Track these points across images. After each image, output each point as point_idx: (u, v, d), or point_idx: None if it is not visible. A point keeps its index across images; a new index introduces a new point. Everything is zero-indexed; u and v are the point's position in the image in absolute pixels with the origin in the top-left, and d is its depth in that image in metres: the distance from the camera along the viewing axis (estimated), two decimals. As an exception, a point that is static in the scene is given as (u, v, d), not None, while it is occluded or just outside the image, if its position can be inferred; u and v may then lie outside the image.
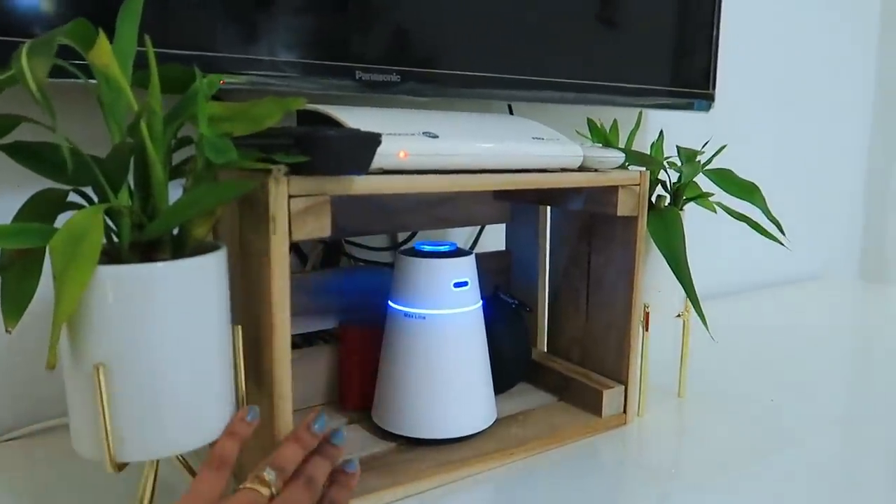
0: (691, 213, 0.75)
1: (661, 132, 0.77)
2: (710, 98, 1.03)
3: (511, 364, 0.73)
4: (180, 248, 0.45)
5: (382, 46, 0.72)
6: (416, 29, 0.74)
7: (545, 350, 0.82)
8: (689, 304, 0.75)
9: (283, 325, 0.48)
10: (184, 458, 0.49)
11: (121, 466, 0.42)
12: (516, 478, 0.60)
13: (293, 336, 0.76)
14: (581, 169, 0.64)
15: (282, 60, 0.66)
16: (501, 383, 0.73)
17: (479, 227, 0.95)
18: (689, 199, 0.74)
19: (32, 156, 0.44)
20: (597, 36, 0.89)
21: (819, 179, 1.53)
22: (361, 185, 0.51)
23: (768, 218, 0.68)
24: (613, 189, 0.66)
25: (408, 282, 0.62)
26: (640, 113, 0.75)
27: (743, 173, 0.73)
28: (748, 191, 0.69)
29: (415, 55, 0.74)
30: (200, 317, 0.44)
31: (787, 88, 1.41)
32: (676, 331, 0.79)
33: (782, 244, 0.69)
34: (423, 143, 0.54)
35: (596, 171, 0.65)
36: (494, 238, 0.95)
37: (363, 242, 0.87)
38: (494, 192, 0.83)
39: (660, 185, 0.75)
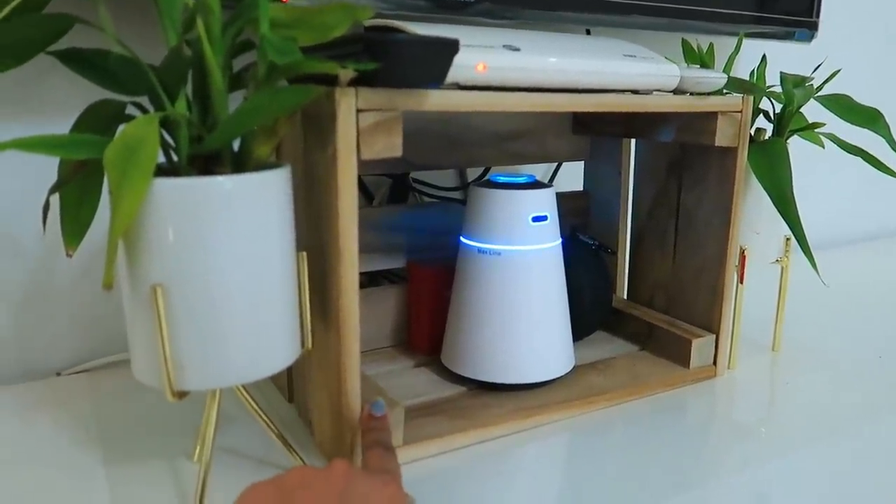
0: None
1: (764, 56, 0.69)
2: (814, 27, 0.93)
3: (590, 309, 0.68)
4: (241, 165, 0.42)
5: (456, -38, 0.66)
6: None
7: (625, 297, 0.77)
8: (788, 249, 0.68)
9: (350, 251, 0.45)
10: (245, 390, 0.46)
11: (181, 395, 0.40)
12: (596, 428, 0.56)
13: (359, 275, 0.73)
14: (676, 92, 0.58)
15: (348, -24, 0.61)
16: (579, 330, 0.68)
17: (555, 165, 0.89)
18: (794, 131, 0.66)
19: (87, 63, 0.41)
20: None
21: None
22: (436, 100, 0.46)
23: (893, 148, 0.60)
24: (712, 115, 0.59)
25: (482, 215, 0.58)
26: (741, 35, 0.67)
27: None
28: (871, 118, 0.61)
29: (490, -28, 0.68)
30: (263, 238, 0.40)
31: (893, 21, 1.27)
32: (772, 278, 0.72)
33: (904, 180, 0.61)
34: (503, 55, 0.48)
35: (692, 95, 0.58)
36: (570, 179, 0.89)
37: (431, 181, 0.82)
38: (574, 124, 0.77)
39: (760, 116, 0.68)
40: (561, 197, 0.77)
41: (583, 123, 0.75)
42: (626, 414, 0.58)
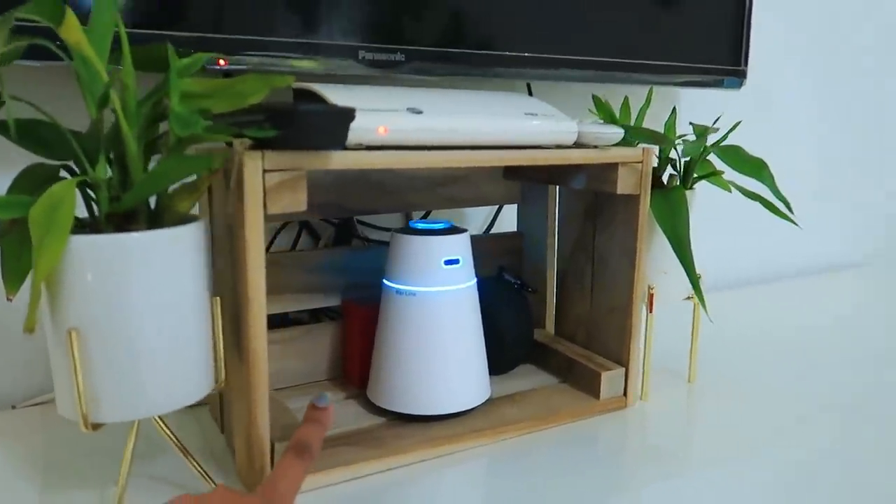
0: (718, 196, 0.70)
1: (675, 109, 0.74)
2: (742, 75, 0.99)
3: (512, 344, 0.72)
4: (158, 220, 0.47)
5: (386, 24, 0.72)
6: (420, 5, 0.74)
7: (552, 332, 0.81)
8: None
9: (258, 301, 0.49)
10: (162, 420, 0.51)
11: (95, 426, 0.44)
12: (507, 456, 0.60)
13: (300, 312, 0.78)
14: (578, 145, 0.63)
15: (283, 40, 0.67)
16: (502, 364, 0.73)
17: (496, 208, 0.94)
18: (699, 178, 0.71)
19: (21, 132, 0.47)
20: (618, 8, 0.87)
21: (864, 161, 1.45)
22: (339, 160, 0.51)
23: (776, 196, 0.65)
24: (613, 166, 0.64)
25: (400, 259, 0.63)
26: (651, 89, 0.73)
27: (781, 155, 0.70)
28: (756, 168, 0.66)
29: (420, 33, 0.74)
30: (175, 286, 0.45)
31: (830, 63, 1.34)
32: (689, 314, 0.77)
33: (794, 223, 0.66)
34: (405, 118, 0.54)
35: (596, 147, 0.64)
36: (513, 219, 0.94)
37: (377, 224, 0.88)
38: (504, 171, 0.82)
39: (670, 165, 0.73)
40: (496, 237, 0.83)
41: (512, 170, 0.81)
42: (538, 443, 0.63)
